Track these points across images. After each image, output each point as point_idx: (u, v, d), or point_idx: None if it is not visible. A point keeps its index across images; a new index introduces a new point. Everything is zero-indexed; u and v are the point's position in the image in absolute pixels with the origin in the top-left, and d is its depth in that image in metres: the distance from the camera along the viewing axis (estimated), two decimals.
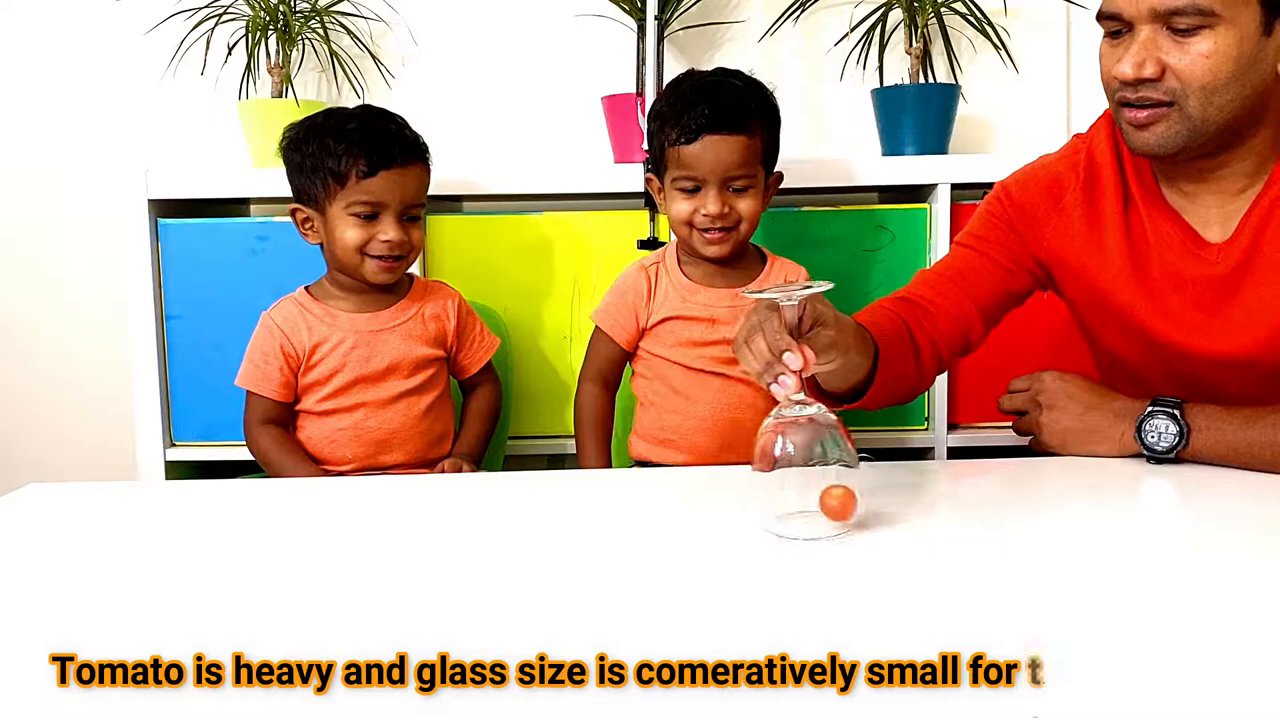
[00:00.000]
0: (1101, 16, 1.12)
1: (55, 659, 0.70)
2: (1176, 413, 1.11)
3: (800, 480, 0.91)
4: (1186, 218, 1.18)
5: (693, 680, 0.64)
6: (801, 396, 0.92)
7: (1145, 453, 1.13)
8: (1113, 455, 1.16)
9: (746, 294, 0.95)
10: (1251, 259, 1.14)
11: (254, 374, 1.49)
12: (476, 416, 1.60)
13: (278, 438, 1.48)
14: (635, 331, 1.56)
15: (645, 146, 1.56)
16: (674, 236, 1.56)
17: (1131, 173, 1.21)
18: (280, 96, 1.96)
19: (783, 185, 1.76)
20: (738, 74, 1.51)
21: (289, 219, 1.82)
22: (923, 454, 1.89)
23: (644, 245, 1.80)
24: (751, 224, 1.49)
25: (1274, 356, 1.15)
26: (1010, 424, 1.28)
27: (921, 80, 1.92)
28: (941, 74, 1.97)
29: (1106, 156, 1.22)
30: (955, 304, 1.27)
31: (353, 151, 1.42)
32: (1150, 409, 1.13)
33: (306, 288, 1.54)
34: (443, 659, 0.68)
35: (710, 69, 1.54)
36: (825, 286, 0.93)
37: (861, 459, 1.22)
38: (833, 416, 0.93)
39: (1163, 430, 1.11)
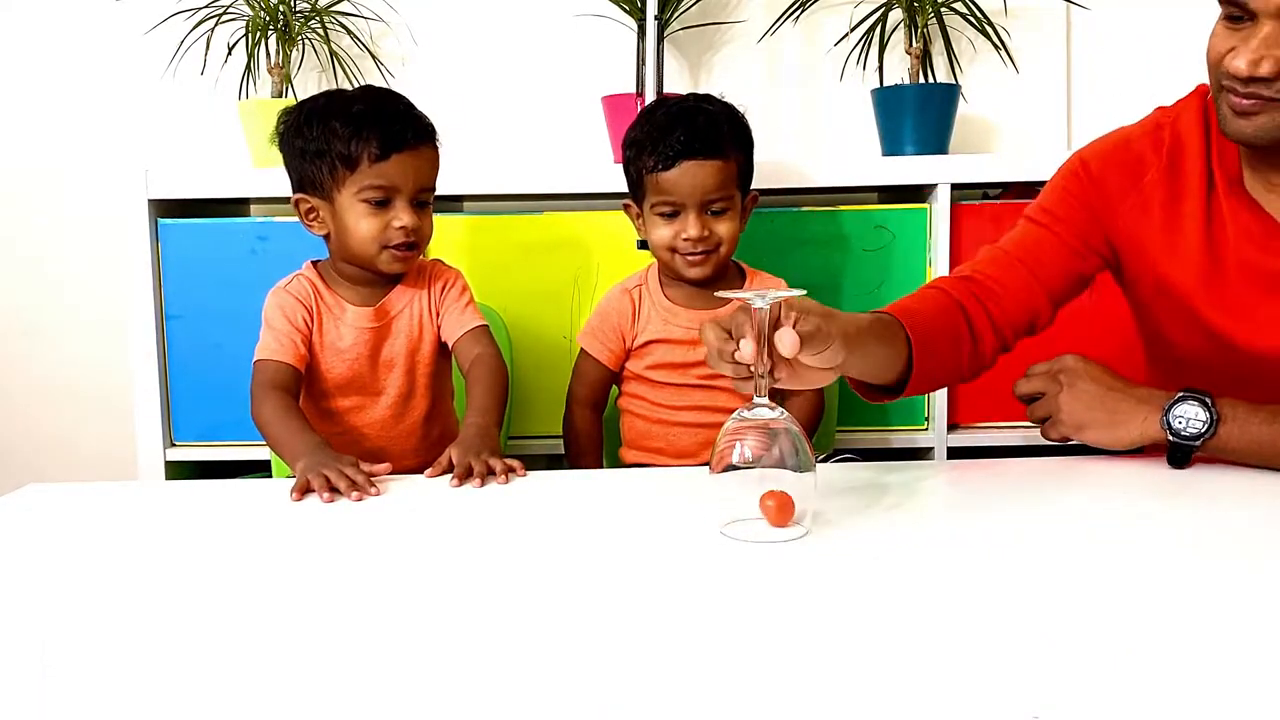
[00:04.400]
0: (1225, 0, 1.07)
1: (54, 658, 0.70)
2: (1207, 399, 1.09)
3: (746, 483, 0.91)
4: (1269, 209, 1.14)
5: (688, 682, 0.64)
6: (765, 400, 0.92)
7: (1170, 439, 1.10)
8: (1133, 442, 1.13)
9: (720, 295, 0.95)
10: None
11: (274, 342, 1.40)
12: (475, 383, 1.41)
13: (281, 405, 1.34)
14: (621, 353, 1.59)
15: (623, 174, 1.57)
16: (650, 267, 1.61)
17: (1216, 158, 1.17)
18: (280, 96, 1.96)
19: (783, 185, 1.75)
20: (710, 99, 1.54)
21: (289, 219, 1.83)
22: (923, 454, 1.89)
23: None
24: (731, 245, 1.51)
25: None
26: (1026, 418, 1.23)
27: (921, 80, 1.92)
28: (941, 74, 1.97)
29: (1194, 138, 1.18)
30: (1022, 285, 1.23)
31: (363, 134, 1.35)
32: (1180, 394, 1.10)
33: (314, 264, 1.48)
34: (442, 660, 0.68)
35: (683, 94, 1.57)
36: (798, 293, 0.93)
37: (847, 458, 1.22)
38: (794, 424, 0.93)
39: (1191, 417, 1.09)
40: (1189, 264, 1.18)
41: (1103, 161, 1.24)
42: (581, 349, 1.61)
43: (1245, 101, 1.06)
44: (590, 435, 1.61)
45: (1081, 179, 1.24)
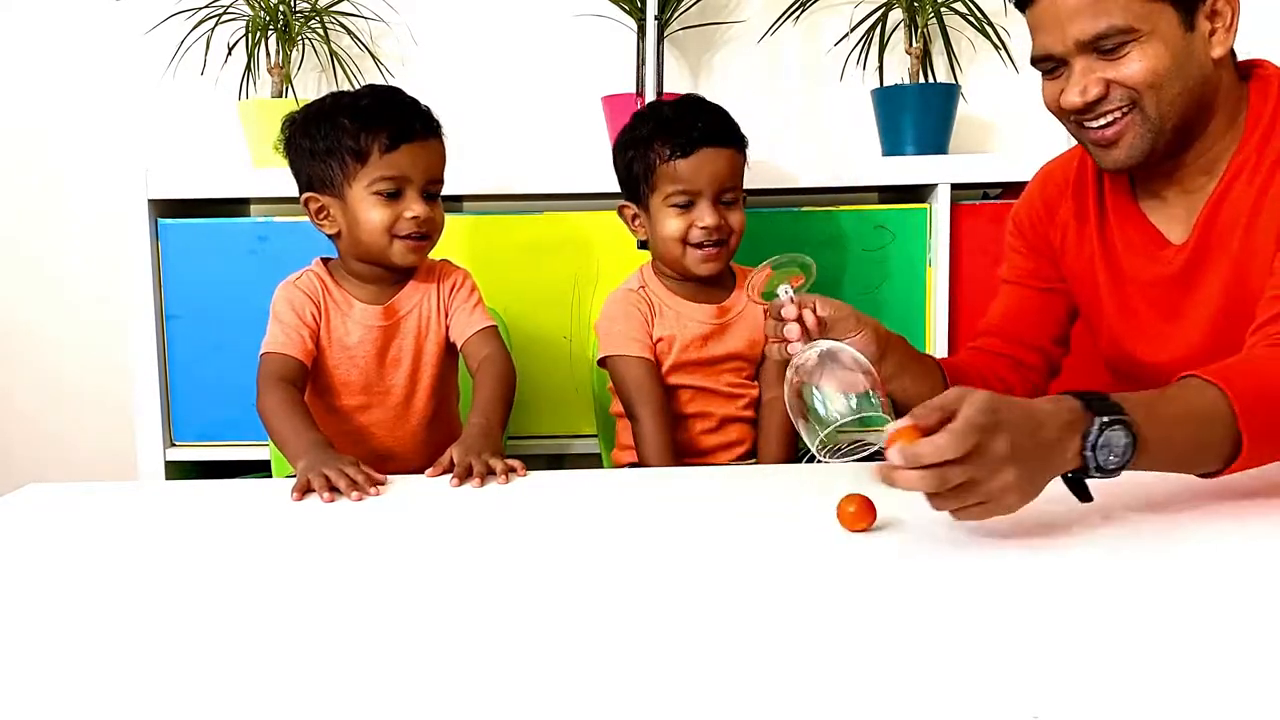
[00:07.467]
0: (1035, 60, 1.17)
1: (55, 659, 0.70)
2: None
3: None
4: (1155, 220, 1.22)
5: (693, 686, 0.64)
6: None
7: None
8: None
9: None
10: (1202, 256, 1.17)
11: (281, 335, 1.40)
12: (481, 384, 1.41)
13: (285, 399, 1.33)
14: (654, 346, 1.52)
15: (618, 174, 1.56)
16: (641, 270, 1.57)
17: (1109, 183, 1.26)
18: (280, 96, 1.96)
19: (783, 185, 1.75)
20: (702, 99, 1.55)
21: (289, 219, 1.83)
22: None
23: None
24: (739, 237, 1.51)
25: (1222, 340, 1.16)
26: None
27: (921, 80, 1.92)
28: (941, 74, 1.97)
29: (1090, 167, 1.26)
30: (1028, 347, 1.35)
31: (372, 127, 1.37)
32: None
33: (324, 261, 1.48)
34: (442, 659, 0.68)
35: (678, 96, 1.58)
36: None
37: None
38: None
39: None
40: (1101, 287, 1.26)
41: (1029, 207, 1.36)
42: (613, 358, 1.51)
43: (1108, 131, 1.14)
44: (664, 437, 1.47)
45: (1020, 228, 1.36)
